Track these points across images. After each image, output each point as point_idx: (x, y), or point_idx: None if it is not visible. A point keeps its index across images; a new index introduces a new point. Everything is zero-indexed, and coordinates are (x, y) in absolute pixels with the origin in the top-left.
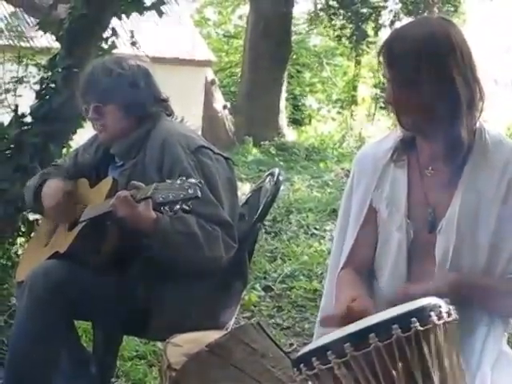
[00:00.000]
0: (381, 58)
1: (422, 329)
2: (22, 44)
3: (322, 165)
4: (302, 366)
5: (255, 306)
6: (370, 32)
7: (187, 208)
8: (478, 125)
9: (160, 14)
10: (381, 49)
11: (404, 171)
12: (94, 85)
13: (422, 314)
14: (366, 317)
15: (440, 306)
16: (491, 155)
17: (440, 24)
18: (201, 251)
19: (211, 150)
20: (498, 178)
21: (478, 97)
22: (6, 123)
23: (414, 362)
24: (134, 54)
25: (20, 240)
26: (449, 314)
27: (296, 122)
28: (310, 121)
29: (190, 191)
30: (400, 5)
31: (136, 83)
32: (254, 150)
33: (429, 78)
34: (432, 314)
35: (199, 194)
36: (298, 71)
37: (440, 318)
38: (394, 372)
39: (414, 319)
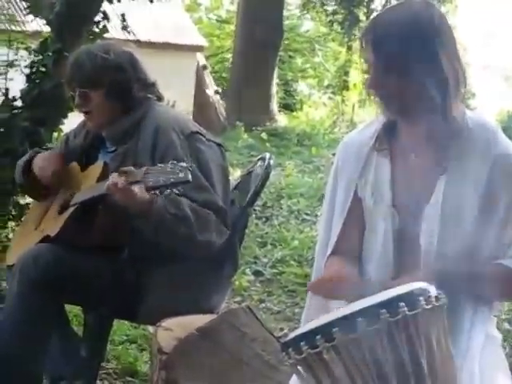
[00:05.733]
0: (363, 43)
1: (410, 313)
2: (13, 28)
3: (313, 150)
4: (290, 350)
5: (246, 291)
6: (362, 17)
7: (177, 192)
8: (459, 109)
9: None
10: (363, 33)
11: (387, 159)
12: (78, 71)
13: (410, 298)
14: (352, 282)
15: (429, 291)
16: (475, 139)
17: (423, 7)
18: (192, 235)
19: (204, 135)
20: (482, 158)
21: (462, 81)
22: None
23: (402, 347)
24: (122, 39)
25: (11, 224)
26: (437, 299)
27: (287, 107)
28: (301, 106)
29: (181, 175)
30: None
31: (121, 69)
32: (245, 136)
33: (414, 60)
34: (421, 298)
35: (190, 178)
36: (290, 56)
37: (429, 302)
38: (382, 356)
39: (402, 304)
